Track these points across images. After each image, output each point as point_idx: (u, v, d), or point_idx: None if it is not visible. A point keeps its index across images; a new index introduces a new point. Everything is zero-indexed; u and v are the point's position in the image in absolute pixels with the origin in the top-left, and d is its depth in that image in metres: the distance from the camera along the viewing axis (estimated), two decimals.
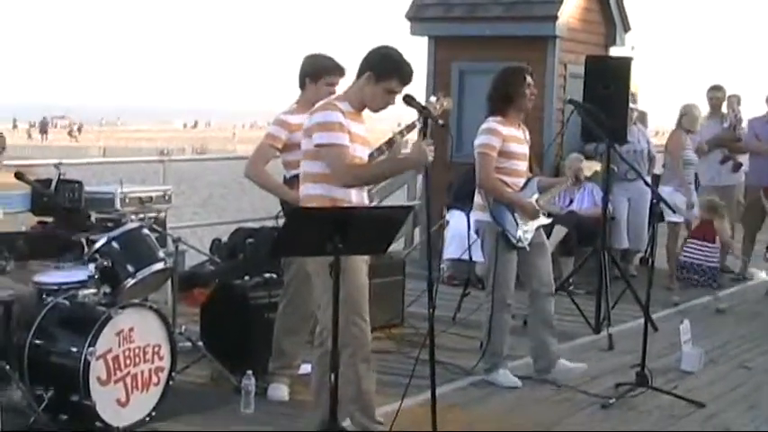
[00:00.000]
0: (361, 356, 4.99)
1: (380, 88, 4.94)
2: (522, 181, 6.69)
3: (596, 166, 7.52)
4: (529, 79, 6.61)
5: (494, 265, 6.64)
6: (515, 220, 6.60)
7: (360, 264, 4.97)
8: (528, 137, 6.83)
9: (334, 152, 4.85)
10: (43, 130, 73.08)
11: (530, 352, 6.98)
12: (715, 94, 11.62)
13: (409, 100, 5.01)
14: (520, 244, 6.61)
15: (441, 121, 5.01)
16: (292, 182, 6.26)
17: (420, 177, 6.34)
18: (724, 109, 11.79)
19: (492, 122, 6.62)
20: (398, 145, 5.59)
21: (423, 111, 4.94)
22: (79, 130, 77.51)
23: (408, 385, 5.29)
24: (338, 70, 6.30)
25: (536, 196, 6.75)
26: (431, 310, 4.87)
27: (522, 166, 6.70)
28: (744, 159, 11.47)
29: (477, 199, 6.73)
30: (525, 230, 6.64)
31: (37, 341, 5.47)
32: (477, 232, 6.86)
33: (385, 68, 4.94)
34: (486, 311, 6.74)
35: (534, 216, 6.68)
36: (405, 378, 5.68)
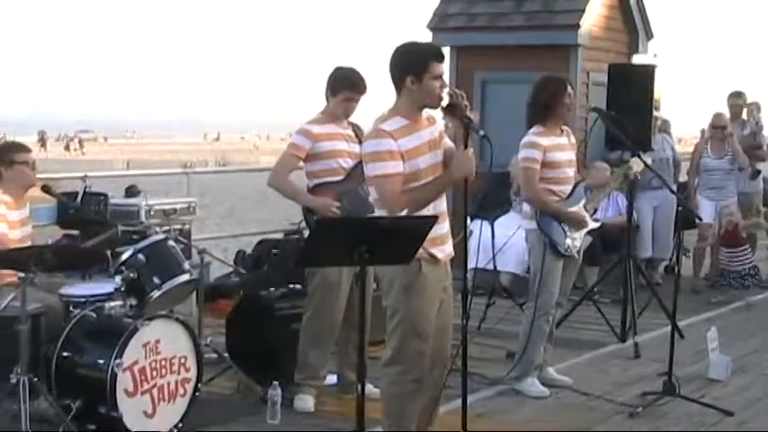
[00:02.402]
0: (412, 377, 4.91)
1: (428, 81, 4.82)
2: (568, 188, 6.63)
3: (647, 160, 7.38)
4: (569, 89, 6.59)
5: (539, 273, 6.60)
6: (563, 229, 6.57)
7: (424, 282, 4.86)
8: (573, 140, 6.78)
9: (383, 184, 4.78)
10: (42, 143, 73.04)
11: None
12: (735, 101, 11.58)
13: (452, 109, 4.92)
14: (568, 252, 6.59)
15: (482, 132, 4.94)
16: (315, 191, 6.28)
17: None
18: (744, 116, 11.74)
19: (532, 136, 6.55)
20: None
21: (465, 119, 4.88)
22: (81, 143, 77.19)
23: (440, 395, 5.25)
24: (356, 87, 6.28)
25: (583, 201, 6.72)
26: (465, 321, 4.86)
27: (569, 172, 6.64)
28: (763, 166, 11.43)
29: (526, 207, 6.71)
30: (574, 239, 6.62)
31: (64, 353, 5.50)
32: (526, 240, 6.80)
33: (418, 62, 4.82)
34: (526, 319, 6.70)
35: (582, 225, 6.65)
36: None
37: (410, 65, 4.85)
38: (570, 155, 6.67)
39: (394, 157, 4.77)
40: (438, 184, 4.91)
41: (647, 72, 9.90)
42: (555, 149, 6.55)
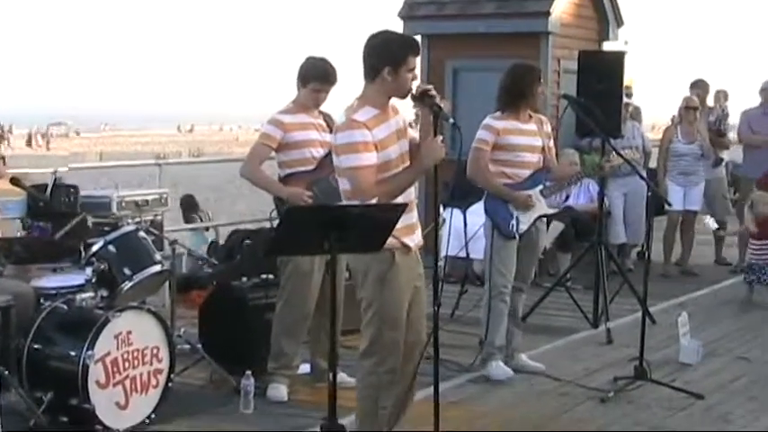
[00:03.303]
0: (387, 368, 4.93)
1: (403, 73, 4.83)
2: (526, 172, 6.68)
3: (619, 160, 7.48)
4: (541, 78, 6.69)
5: (489, 254, 6.67)
6: (509, 210, 6.63)
7: (397, 272, 4.86)
8: (547, 128, 6.81)
9: (359, 176, 4.76)
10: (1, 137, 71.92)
11: None
12: (702, 88, 11.66)
13: (422, 97, 4.90)
14: (512, 234, 6.64)
15: (451, 120, 4.94)
16: (287, 181, 6.28)
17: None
18: (711, 103, 11.83)
19: (488, 118, 6.68)
20: None
21: (434, 107, 4.88)
22: (44, 137, 75.69)
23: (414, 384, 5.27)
24: (326, 78, 6.27)
25: (539, 188, 6.75)
26: (436, 308, 4.87)
27: (528, 157, 6.68)
28: (725, 154, 11.54)
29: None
30: (521, 221, 6.67)
31: (35, 345, 5.48)
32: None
33: (398, 54, 4.81)
34: (485, 305, 6.74)
35: (526, 207, 6.69)
36: None
37: (390, 56, 4.82)
38: (534, 140, 6.71)
39: (368, 149, 4.77)
40: (410, 173, 4.92)
41: (617, 59, 9.92)
42: (513, 133, 6.62)
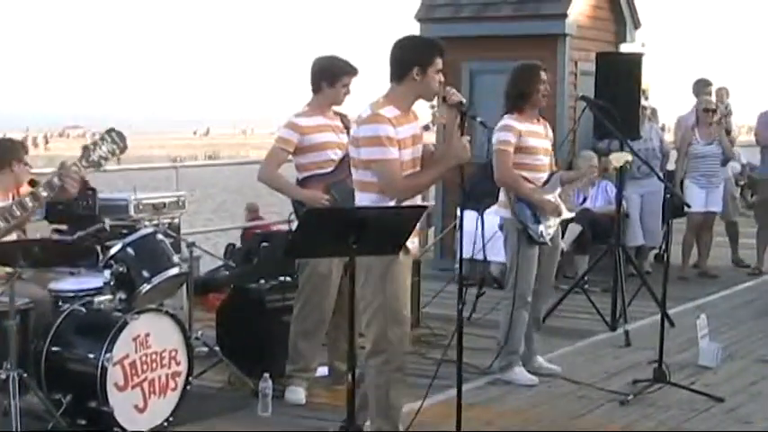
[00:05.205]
0: (395, 365, 4.94)
1: (431, 74, 4.90)
2: (544, 176, 6.67)
3: (627, 157, 7.51)
4: (543, 75, 6.64)
5: (515, 261, 6.62)
6: (537, 216, 6.60)
7: (400, 269, 4.88)
8: (550, 133, 6.84)
9: (386, 169, 4.80)
10: None
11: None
12: (704, 88, 11.65)
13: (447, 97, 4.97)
14: (541, 240, 6.61)
15: (479, 118, 4.99)
16: (304, 184, 6.28)
17: None
18: (713, 99, 11.81)
19: (507, 119, 6.61)
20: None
21: (461, 106, 4.91)
22: (46, 139, 75.49)
23: (431, 385, 5.28)
24: (353, 71, 6.34)
25: (559, 191, 6.75)
26: (460, 307, 4.89)
27: (545, 160, 6.69)
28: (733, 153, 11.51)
29: (501, 195, 6.72)
30: (548, 226, 6.64)
31: (54, 348, 5.49)
32: (500, 228, 6.83)
33: (427, 55, 4.90)
34: (505, 309, 6.72)
35: (555, 212, 6.68)
36: (421, 378, 5.72)
37: (418, 57, 4.92)
38: (546, 143, 6.73)
39: (392, 144, 4.82)
40: (434, 171, 4.97)
41: (635, 61, 9.90)
42: (530, 135, 6.61)
